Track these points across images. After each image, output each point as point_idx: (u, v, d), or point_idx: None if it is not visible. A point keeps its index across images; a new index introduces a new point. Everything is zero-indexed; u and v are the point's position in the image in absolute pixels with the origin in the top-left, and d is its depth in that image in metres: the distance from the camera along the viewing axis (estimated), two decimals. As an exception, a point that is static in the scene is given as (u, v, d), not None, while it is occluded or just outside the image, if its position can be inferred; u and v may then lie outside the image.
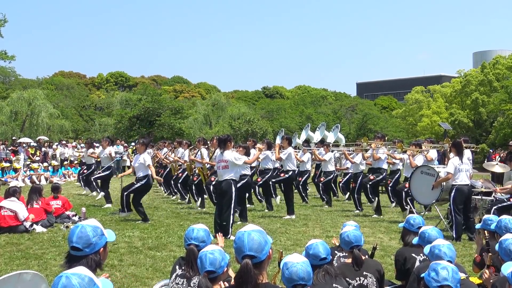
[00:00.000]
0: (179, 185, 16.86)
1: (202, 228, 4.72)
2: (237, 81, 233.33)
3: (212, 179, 13.84)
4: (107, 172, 16.01)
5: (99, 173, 16.51)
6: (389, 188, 15.26)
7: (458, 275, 3.92)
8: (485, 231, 6.11)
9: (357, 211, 14.90)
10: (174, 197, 17.52)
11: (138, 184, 12.68)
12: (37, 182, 20.24)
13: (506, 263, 4.15)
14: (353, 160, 15.23)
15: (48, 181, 22.16)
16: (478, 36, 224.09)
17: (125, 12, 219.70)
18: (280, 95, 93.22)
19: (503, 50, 77.39)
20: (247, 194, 14.40)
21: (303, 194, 17.21)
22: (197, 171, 15.10)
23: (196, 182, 15.35)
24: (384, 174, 14.43)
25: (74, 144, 30.91)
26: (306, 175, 17.19)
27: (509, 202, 10.91)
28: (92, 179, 16.34)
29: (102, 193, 15.66)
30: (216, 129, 48.12)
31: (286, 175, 13.97)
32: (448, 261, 4.33)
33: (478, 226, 6.70)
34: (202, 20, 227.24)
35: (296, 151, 16.48)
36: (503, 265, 4.22)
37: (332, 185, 17.80)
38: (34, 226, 11.15)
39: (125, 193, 12.70)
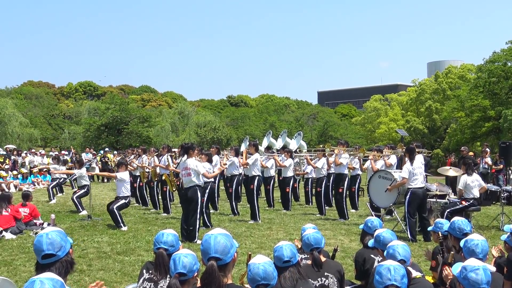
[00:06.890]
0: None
1: (172, 233, 4.76)
2: (203, 90, 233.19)
3: None
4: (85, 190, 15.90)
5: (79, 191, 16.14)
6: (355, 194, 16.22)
7: (402, 270, 3.94)
8: (439, 233, 6.34)
9: (319, 215, 15.26)
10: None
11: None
12: (6, 190, 20.17)
13: (456, 263, 4.29)
14: (315, 165, 15.62)
15: (17, 189, 22.08)
16: (432, 46, 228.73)
17: (94, 23, 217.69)
18: (244, 104, 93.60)
19: (455, 60, 79.93)
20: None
21: (271, 199, 17.30)
22: (163, 178, 15.30)
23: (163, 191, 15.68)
24: (347, 179, 14.80)
25: (43, 152, 31.23)
26: (272, 181, 17.31)
27: (461, 206, 11.54)
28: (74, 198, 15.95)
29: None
30: (183, 137, 47.99)
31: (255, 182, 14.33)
32: (402, 260, 4.51)
33: (430, 228, 7.02)
34: (168, 31, 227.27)
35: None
36: (453, 266, 4.38)
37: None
38: (4, 233, 11.22)
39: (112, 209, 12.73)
